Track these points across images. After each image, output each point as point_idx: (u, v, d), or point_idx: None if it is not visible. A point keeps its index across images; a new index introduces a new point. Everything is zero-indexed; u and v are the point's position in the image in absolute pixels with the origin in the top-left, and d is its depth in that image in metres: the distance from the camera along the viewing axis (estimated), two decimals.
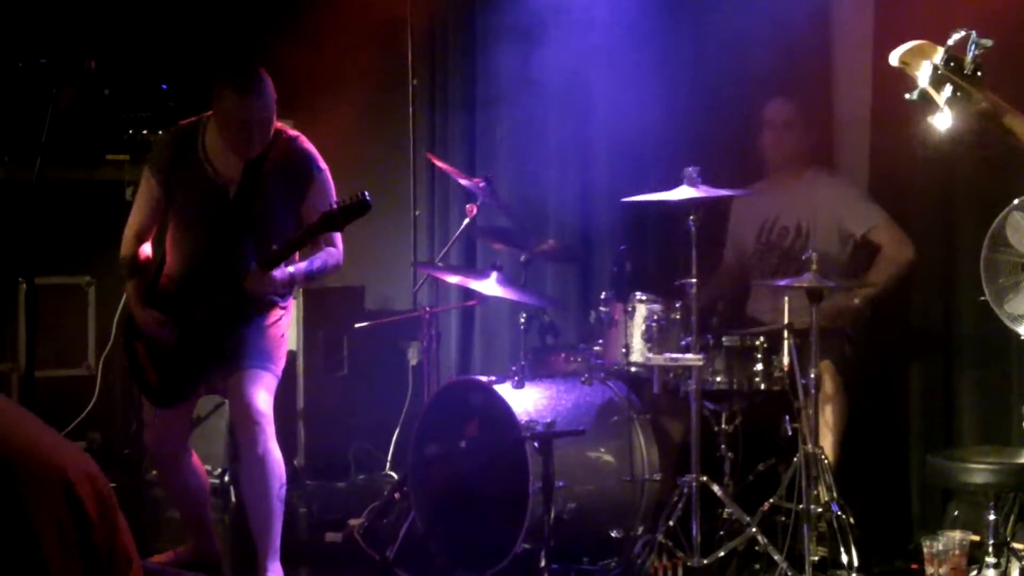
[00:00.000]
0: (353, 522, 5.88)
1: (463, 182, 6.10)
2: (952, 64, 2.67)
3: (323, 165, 4.96)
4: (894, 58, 2.75)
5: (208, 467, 6.40)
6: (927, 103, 2.71)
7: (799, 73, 6.23)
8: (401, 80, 7.82)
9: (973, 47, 2.67)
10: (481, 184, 5.94)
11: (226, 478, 6.49)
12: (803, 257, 5.16)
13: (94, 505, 1.70)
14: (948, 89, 2.66)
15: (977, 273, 5.14)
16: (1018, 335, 5.05)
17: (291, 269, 4.82)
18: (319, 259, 4.93)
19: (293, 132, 5.00)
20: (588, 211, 6.96)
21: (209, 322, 4.82)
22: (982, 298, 5.15)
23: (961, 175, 5.51)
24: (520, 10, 6.89)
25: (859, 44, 6.17)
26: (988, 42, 2.68)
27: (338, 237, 4.99)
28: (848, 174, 6.09)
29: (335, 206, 4.68)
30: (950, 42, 2.68)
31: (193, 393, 4.98)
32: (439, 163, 6.35)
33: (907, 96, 2.72)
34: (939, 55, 2.68)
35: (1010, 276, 5.06)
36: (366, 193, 4.66)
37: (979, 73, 2.68)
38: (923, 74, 2.68)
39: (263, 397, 4.78)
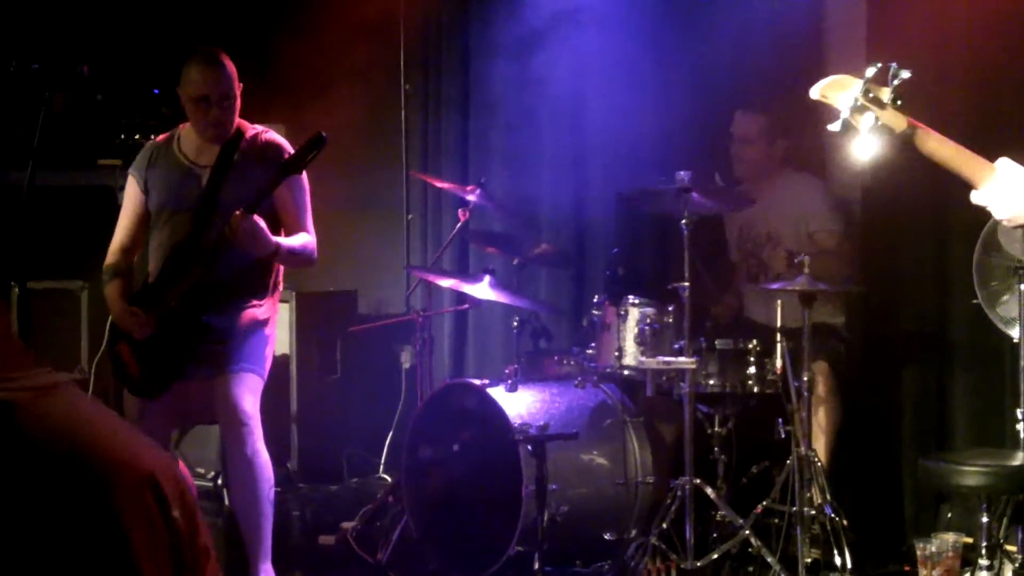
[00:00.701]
0: (346, 525, 5.88)
1: (456, 191, 6.09)
2: (871, 95, 2.77)
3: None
4: (815, 92, 2.87)
5: (201, 470, 6.40)
6: (850, 132, 2.81)
7: (792, 76, 6.23)
8: (394, 84, 7.81)
9: (893, 79, 2.78)
10: (475, 191, 5.93)
11: (219, 481, 6.47)
12: (796, 260, 5.17)
13: (179, 502, 1.77)
14: (869, 118, 2.77)
15: (970, 276, 5.15)
16: (1011, 338, 5.06)
17: (276, 239, 4.82)
18: (300, 239, 4.95)
19: (262, 127, 5.11)
20: (581, 215, 6.97)
21: (183, 304, 4.82)
22: (975, 301, 5.17)
23: (954, 178, 5.52)
24: (514, 14, 6.89)
25: (852, 45, 6.19)
26: (907, 73, 2.79)
27: (310, 224, 5.02)
28: (826, 176, 6.09)
29: (290, 153, 4.80)
30: (868, 74, 2.79)
31: (175, 382, 4.91)
32: (431, 180, 6.34)
33: (829, 127, 2.83)
34: (858, 86, 2.78)
35: (1003, 280, 5.08)
36: (321, 132, 4.69)
37: (899, 102, 2.78)
38: (843, 105, 2.80)
39: (249, 399, 4.78)
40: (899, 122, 2.83)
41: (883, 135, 2.82)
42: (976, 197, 2.92)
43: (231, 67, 4.93)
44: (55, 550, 1.69)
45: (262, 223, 4.70)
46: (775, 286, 5.26)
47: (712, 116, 6.36)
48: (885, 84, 2.83)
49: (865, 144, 2.83)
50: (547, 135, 7.06)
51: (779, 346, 5.17)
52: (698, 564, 5.02)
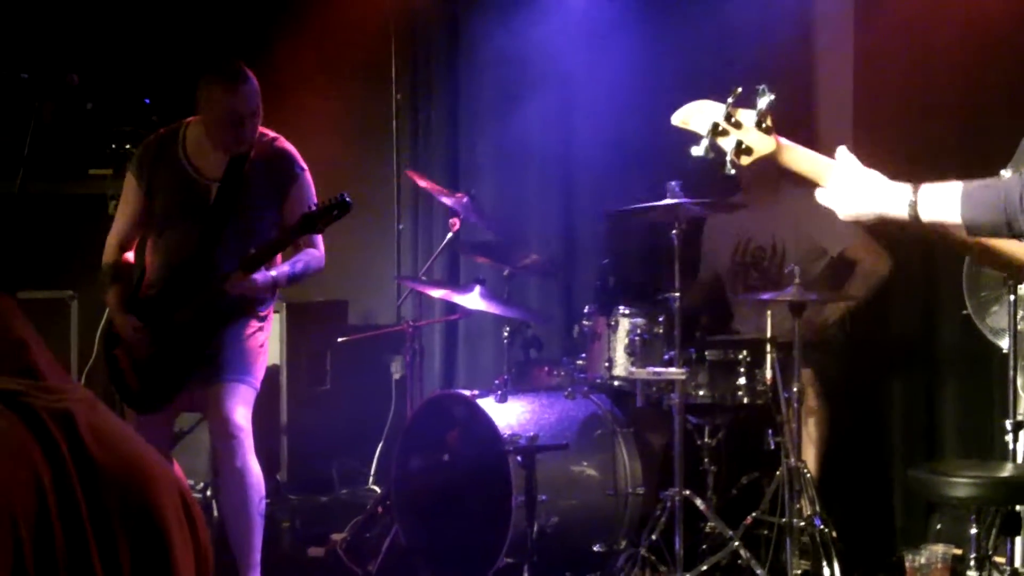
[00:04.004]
0: (336, 536, 5.87)
1: (446, 200, 6.06)
2: (732, 119, 2.75)
3: (304, 165, 4.99)
4: (676, 119, 2.84)
5: (191, 482, 6.39)
6: (716, 155, 2.80)
7: (781, 85, 6.23)
8: (384, 94, 7.81)
9: (758, 99, 2.77)
10: (464, 199, 5.91)
11: (208, 492, 6.47)
12: (785, 271, 5.18)
13: (196, 509, 1.94)
14: (731, 141, 2.75)
15: (959, 286, 5.15)
16: (1000, 348, 5.07)
17: (273, 272, 4.82)
18: (300, 261, 4.93)
19: (273, 133, 5.02)
20: (571, 225, 6.97)
21: (190, 325, 4.80)
22: (964, 311, 5.17)
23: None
24: (504, 26, 6.90)
25: (840, 54, 6.21)
26: (771, 96, 2.78)
27: (318, 238, 4.99)
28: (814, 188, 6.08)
29: (314, 207, 4.71)
30: (730, 100, 2.76)
31: (175, 398, 4.91)
32: (421, 181, 6.32)
33: (693, 150, 2.80)
34: (720, 111, 2.77)
35: (992, 290, 5.08)
36: (345, 194, 4.67)
37: (764, 124, 2.75)
38: (704, 130, 2.78)
39: (241, 411, 4.76)
40: (764, 143, 2.79)
41: (747, 156, 2.79)
42: (820, 197, 2.86)
43: (254, 78, 4.83)
44: (112, 553, 1.81)
45: (255, 277, 4.72)
46: (766, 296, 5.26)
47: None
48: (751, 107, 2.81)
49: (731, 166, 2.81)
50: (537, 145, 7.06)
51: (769, 357, 5.17)
52: (688, 575, 5.01)
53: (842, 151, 2.83)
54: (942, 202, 2.67)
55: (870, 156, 2.86)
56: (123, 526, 1.82)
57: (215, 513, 6.25)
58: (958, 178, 2.72)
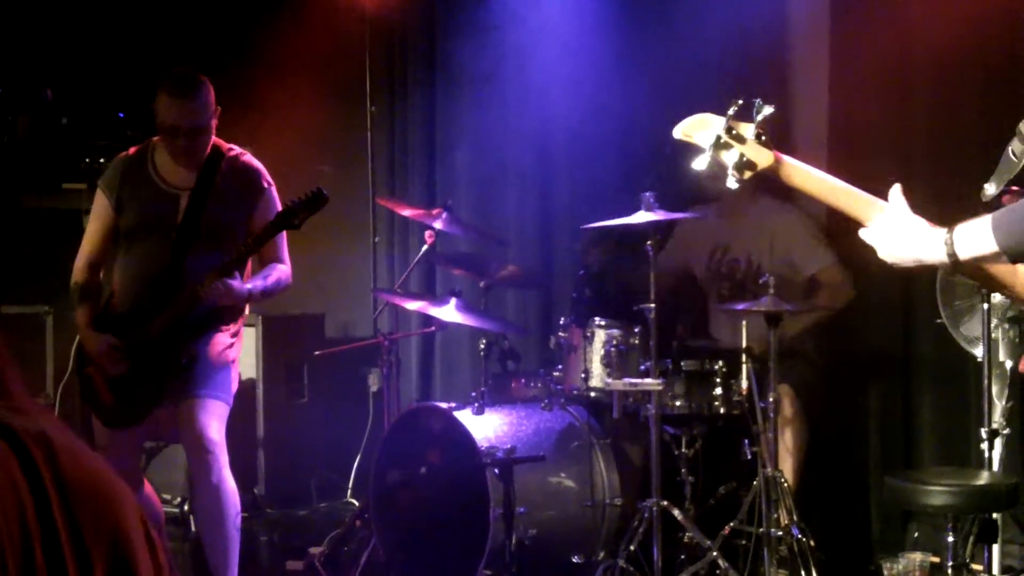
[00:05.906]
0: (314, 550, 5.86)
1: (421, 217, 6.04)
2: (733, 132, 2.76)
3: (271, 180, 4.99)
4: (678, 132, 2.84)
5: (167, 496, 6.37)
6: (718, 169, 2.79)
7: (758, 93, 6.25)
8: (359, 105, 7.82)
9: (756, 114, 2.77)
10: (442, 215, 5.89)
11: (185, 507, 6.45)
12: (760, 282, 5.19)
13: (154, 531, 1.93)
14: (733, 154, 2.76)
15: (934, 295, 5.17)
16: (975, 357, 5.09)
17: (248, 285, 4.79)
18: (272, 275, 4.91)
19: (239, 149, 5.01)
20: (549, 236, 6.98)
21: (164, 337, 4.78)
22: (939, 320, 5.19)
23: (917, 198, 5.53)
24: (480, 37, 6.91)
25: (815, 66, 6.23)
26: (769, 109, 2.77)
27: (286, 254, 4.99)
28: (802, 204, 6.09)
29: (290, 203, 4.69)
30: (731, 112, 2.77)
31: (151, 413, 4.89)
32: (396, 208, 6.29)
33: (695, 165, 2.80)
34: (720, 124, 2.77)
35: (966, 299, 5.10)
36: (321, 187, 4.65)
37: (763, 137, 2.76)
38: (706, 143, 2.78)
39: (215, 426, 4.74)
40: (763, 157, 2.79)
41: (749, 170, 2.80)
42: (864, 235, 2.84)
43: (207, 94, 4.79)
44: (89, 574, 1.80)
45: (232, 283, 4.68)
46: (741, 306, 5.27)
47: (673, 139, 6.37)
48: (749, 120, 2.81)
49: (733, 180, 2.81)
50: (514, 157, 7.07)
51: (744, 367, 5.18)
52: None
53: (896, 192, 2.81)
54: (976, 236, 2.66)
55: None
56: (96, 547, 1.82)
57: (192, 528, 6.24)
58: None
